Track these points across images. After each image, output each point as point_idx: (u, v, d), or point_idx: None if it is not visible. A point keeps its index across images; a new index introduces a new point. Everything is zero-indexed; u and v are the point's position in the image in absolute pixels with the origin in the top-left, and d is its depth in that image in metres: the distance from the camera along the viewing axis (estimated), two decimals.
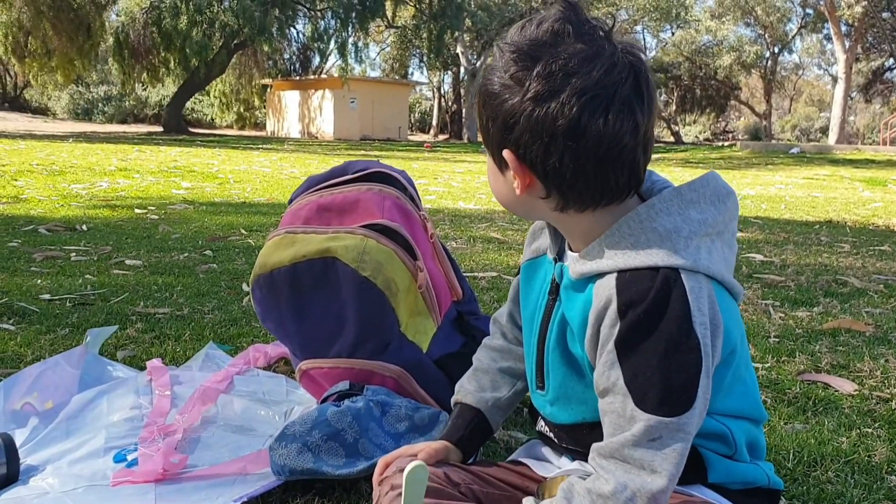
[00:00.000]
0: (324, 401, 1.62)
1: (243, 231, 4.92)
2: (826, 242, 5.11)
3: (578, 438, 1.17)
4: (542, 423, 1.27)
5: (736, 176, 12.78)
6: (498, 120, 1.02)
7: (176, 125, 28.56)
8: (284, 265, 1.63)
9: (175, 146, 16.44)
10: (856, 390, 2.07)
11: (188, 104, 35.93)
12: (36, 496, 1.47)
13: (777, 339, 2.57)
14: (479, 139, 1.08)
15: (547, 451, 1.30)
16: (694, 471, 1.10)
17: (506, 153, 1.03)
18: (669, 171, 14.15)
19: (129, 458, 1.59)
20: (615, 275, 1.01)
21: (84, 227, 4.92)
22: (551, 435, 1.25)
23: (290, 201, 1.81)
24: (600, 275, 1.04)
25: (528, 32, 1.01)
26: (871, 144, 29.93)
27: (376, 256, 1.60)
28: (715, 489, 1.13)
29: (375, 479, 1.25)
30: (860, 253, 4.67)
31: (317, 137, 28.87)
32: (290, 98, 31.90)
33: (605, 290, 1.02)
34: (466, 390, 1.34)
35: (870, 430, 1.81)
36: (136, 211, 5.80)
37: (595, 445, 1.04)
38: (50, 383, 1.91)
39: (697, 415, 0.99)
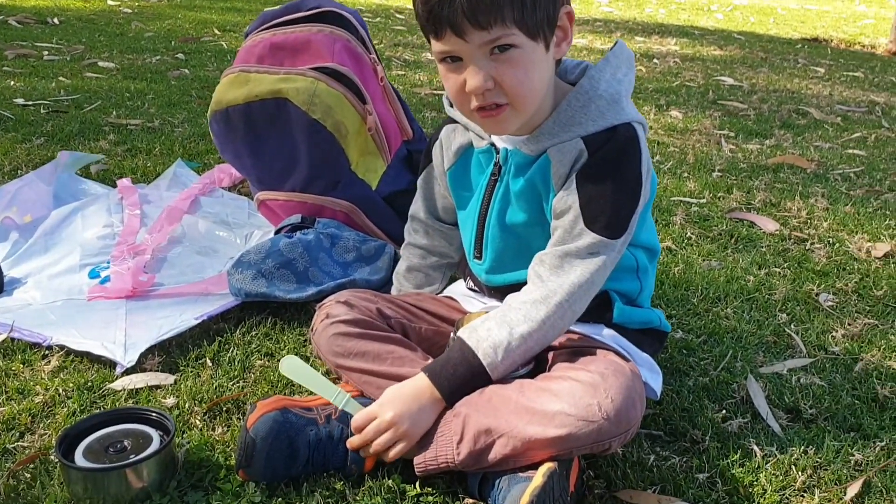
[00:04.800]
0: (277, 232, 1.77)
1: (217, 31, 4.87)
2: (802, 65, 5.13)
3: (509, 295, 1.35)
4: (470, 282, 1.46)
5: None
6: None
7: None
8: (239, 104, 1.72)
9: None
10: (777, 230, 2.24)
11: None
12: (20, 307, 1.65)
13: (720, 174, 2.71)
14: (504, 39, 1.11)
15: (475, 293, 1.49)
16: (600, 312, 1.30)
17: (566, 10, 1.18)
18: None
19: (102, 274, 1.76)
20: (578, 139, 1.20)
21: (56, 21, 4.85)
22: (483, 293, 1.44)
23: (246, 35, 1.86)
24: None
25: None
26: None
27: (326, 100, 1.69)
28: (616, 328, 1.33)
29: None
30: (832, 79, 4.72)
31: None
32: None
33: (571, 149, 1.21)
34: (409, 291, 1.54)
35: (778, 270, 1.99)
36: (109, 3, 5.67)
37: (539, 254, 1.24)
38: (27, 198, 2.04)
39: (625, 240, 1.22)
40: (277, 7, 1.86)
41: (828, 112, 3.79)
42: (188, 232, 1.94)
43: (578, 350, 1.26)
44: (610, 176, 1.20)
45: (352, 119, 1.73)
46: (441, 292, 1.55)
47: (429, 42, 1.20)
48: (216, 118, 1.76)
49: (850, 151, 3.10)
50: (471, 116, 1.23)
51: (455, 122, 1.38)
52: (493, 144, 1.31)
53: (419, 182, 1.51)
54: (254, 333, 1.60)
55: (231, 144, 1.79)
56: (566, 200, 1.21)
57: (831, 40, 6.77)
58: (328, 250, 1.73)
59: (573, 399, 1.11)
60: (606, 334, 1.31)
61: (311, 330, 1.37)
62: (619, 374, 1.15)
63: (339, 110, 1.71)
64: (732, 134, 3.28)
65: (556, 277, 1.20)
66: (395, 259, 1.75)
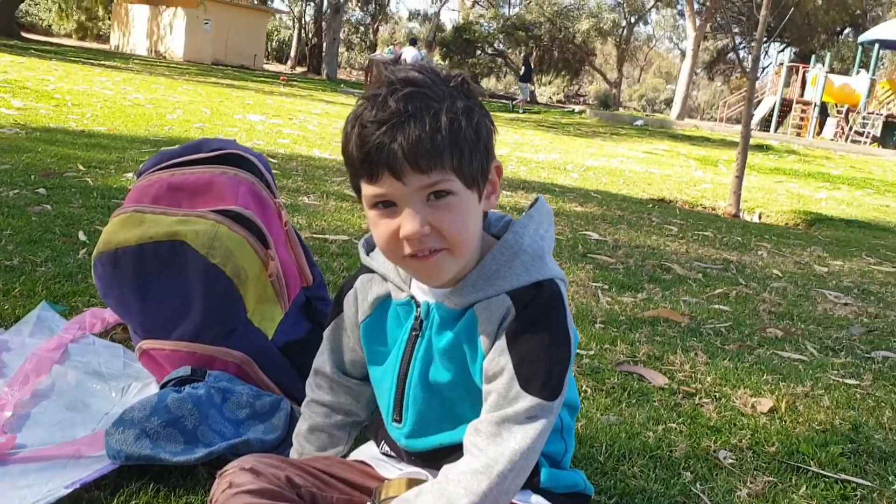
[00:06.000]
0: (164, 385, 1.62)
1: (81, 167, 4.66)
2: (656, 224, 5.47)
3: (433, 462, 1.25)
4: (385, 447, 1.35)
5: (582, 145, 13.30)
6: (481, 143, 1.13)
7: (7, 28, 26.03)
8: (130, 245, 1.59)
9: (5, 53, 15.09)
10: (666, 384, 2.28)
11: (22, 6, 32.85)
12: None
13: (602, 326, 2.77)
14: (439, 186, 1.09)
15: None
16: (527, 477, 1.22)
17: (496, 163, 1.18)
18: (522, 132, 14.51)
19: None
20: (504, 294, 1.16)
21: None
22: (400, 458, 1.34)
23: (139, 174, 1.76)
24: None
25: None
26: (709, 121, 31.81)
27: (227, 244, 1.60)
28: (543, 493, 1.26)
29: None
30: (685, 237, 5.04)
31: (165, 57, 27.24)
32: (139, 12, 29.77)
33: (498, 306, 1.16)
34: (312, 454, 1.41)
35: (674, 426, 2.01)
36: None
37: (474, 423, 1.16)
38: None
39: (559, 401, 1.16)
40: (175, 147, 1.78)
41: (688, 268, 4.01)
42: (56, 383, 1.74)
43: None
44: (540, 334, 1.16)
45: (252, 264, 1.64)
46: (347, 455, 1.44)
47: (355, 189, 1.15)
48: (102, 260, 1.62)
49: (716, 307, 3.26)
50: (402, 264, 1.17)
51: (371, 271, 1.32)
52: (413, 297, 1.26)
53: (326, 333, 1.42)
54: (134, 502, 1.41)
55: (116, 289, 1.65)
56: (498, 362, 1.16)
57: (677, 201, 7.31)
58: (219, 406, 1.58)
59: None
60: (535, 502, 1.24)
61: (211, 502, 1.22)
62: None
63: (240, 255, 1.62)
64: (606, 286, 3.39)
65: (495, 446, 1.12)
66: (292, 416, 1.63)
